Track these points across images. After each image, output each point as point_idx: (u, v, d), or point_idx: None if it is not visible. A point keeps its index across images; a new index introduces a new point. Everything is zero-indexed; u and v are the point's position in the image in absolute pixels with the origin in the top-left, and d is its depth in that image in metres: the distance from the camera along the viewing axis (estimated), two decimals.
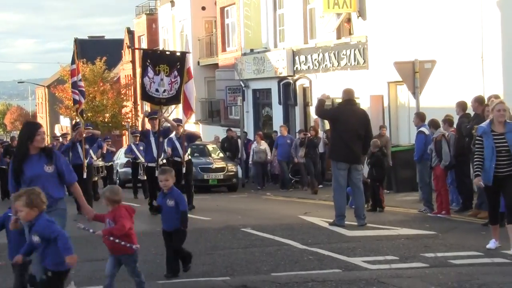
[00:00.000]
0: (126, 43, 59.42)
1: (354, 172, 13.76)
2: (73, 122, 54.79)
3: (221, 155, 27.64)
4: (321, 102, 14.23)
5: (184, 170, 17.72)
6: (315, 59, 27.49)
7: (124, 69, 59.70)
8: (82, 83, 19.72)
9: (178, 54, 18.57)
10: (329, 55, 26.51)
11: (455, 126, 15.48)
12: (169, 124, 18.39)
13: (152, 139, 17.36)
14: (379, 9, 23.60)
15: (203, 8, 39.89)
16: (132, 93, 55.64)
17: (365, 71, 24.38)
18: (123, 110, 53.54)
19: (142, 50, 19.67)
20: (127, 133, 54.29)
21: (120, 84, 57.11)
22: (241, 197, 23.24)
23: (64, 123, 70.29)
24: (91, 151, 19.82)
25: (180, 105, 20.28)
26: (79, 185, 17.33)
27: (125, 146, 36.02)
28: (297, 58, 28.88)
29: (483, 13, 19.12)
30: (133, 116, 53.60)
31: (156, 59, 17.55)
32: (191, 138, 19.25)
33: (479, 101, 14.34)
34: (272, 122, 31.47)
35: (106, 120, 51.85)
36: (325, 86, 26.69)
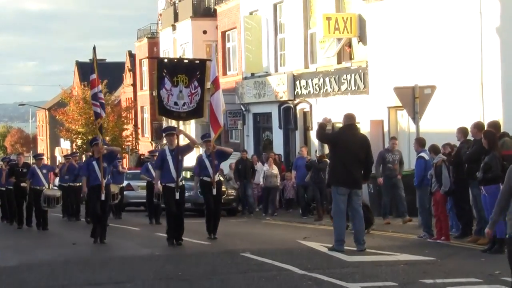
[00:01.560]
0: (127, 66, 59.63)
1: (354, 197, 13.72)
2: (73, 144, 55.20)
3: (221, 178, 27.55)
4: (322, 126, 14.22)
5: (214, 191, 16.22)
6: (315, 84, 27.57)
7: (125, 92, 59.87)
8: (102, 95, 17.62)
9: (197, 62, 16.46)
10: (329, 80, 26.60)
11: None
12: (187, 140, 16.87)
13: (170, 158, 15.28)
14: (380, 34, 23.71)
15: (205, 32, 40.06)
16: (133, 116, 55.75)
17: (365, 96, 24.45)
18: (124, 133, 53.63)
19: (157, 60, 16.89)
20: (127, 156, 54.35)
21: (121, 107, 57.26)
22: (240, 221, 23.19)
23: (65, 146, 70.33)
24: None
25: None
26: (96, 208, 16.23)
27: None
28: (297, 82, 28.97)
29: (483, 39, 19.21)
30: (134, 139, 53.66)
31: (174, 68, 15.59)
32: (223, 155, 17.06)
33: (478, 127, 14.36)
34: (273, 146, 31.50)
35: (107, 142, 51.88)
36: (325, 110, 26.74)
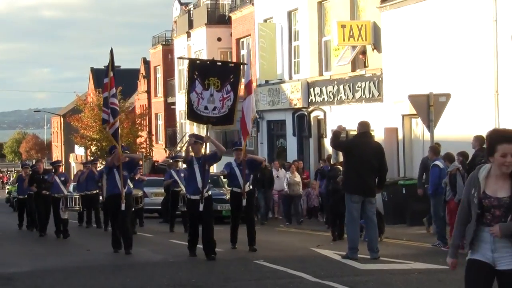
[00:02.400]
0: (142, 73, 59.79)
1: (367, 205, 13.68)
2: (88, 150, 55.31)
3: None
4: (336, 134, 14.15)
5: (244, 202, 15.24)
6: (329, 91, 27.54)
7: (139, 99, 60.02)
8: (116, 100, 16.20)
9: (231, 65, 15.80)
10: (343, 87, 26.58)
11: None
12: (212, 148, 15.84)
13: (196, 167, 14.13)
14: (394, 42, 23.67)
15: (219, 39, 40.13)
16: (147, 123, 55.87)
17: (379, 104, 24.40)
18: (138, 140, 53.75)
19: (189, 60, 15.79)
20: (142, 163, 54.38)
21: (135, 114, 57.38)
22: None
23: (79, 152, 70.57)
24: (128, 180, 16.96)
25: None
26: (116, 218, 15.60)
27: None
28: (311, 90, 28.96)
29: (498, 46, 19.13)
30: (148, 146, 53.78)
31: (205, 71, 14.52)
32: (254, 164, 15.90)
33: None
34: (286, 153, 31.47)
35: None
36: (339, 118, 26.71)
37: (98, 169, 24.96)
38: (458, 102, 19.25)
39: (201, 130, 16.56)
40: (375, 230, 13.87)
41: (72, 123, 54.07)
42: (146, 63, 58.94)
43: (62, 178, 21.20)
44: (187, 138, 45.64)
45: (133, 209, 20.51)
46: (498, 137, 5.82)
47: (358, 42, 24.95)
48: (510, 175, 5.75)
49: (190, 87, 14.41)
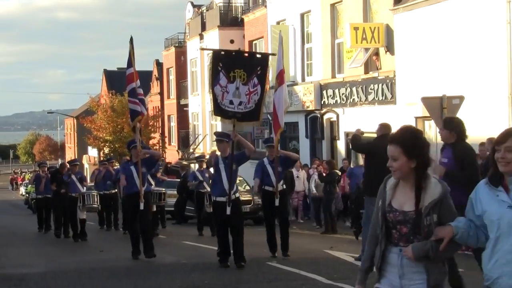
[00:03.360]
0: (155, 75, 59.92)
1: None
2: (101, 152, 55.48)
3: (248, 187, 27.58)
4: (356, 137, 13.97)
5: (277, 202, 14.11)
6: (342, 93, 27.53)
7: (152, 101, 60.16)
8: (141, 91, 15.26)
9: (258, 56, 14.32)
10: (356, 90, 26.56)
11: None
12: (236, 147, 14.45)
13: (222, 167, 13.10)
14: (407, 44, 23.63)
15: (232, 41, 40.17)
16: (160, 125, 55.97)
17: (392, 106, 24.36)
18: (151, 142, 53.88)
19: (213, 52, 14.25)
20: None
21: (148, 115, 57.53)
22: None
23: (92, 154, 70.76)
24: (149, 177, 16.24)
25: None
26: (135, 218, 14.63)
27: None
28: (324, 92, 28.95)
29: (511, 48, 19.07)
30: (160, 147, 53.90)
31: (231, 62, 13.37)
32: (287, 162, 14.76)
33: None
34: (299, 155, 31.43)
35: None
36: (352, 120, 26.72)
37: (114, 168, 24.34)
38: (471, 105, 19.18)
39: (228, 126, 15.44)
40: None
41: (85, 124, 54.27)
42: (159, 65, 59.07)
43: (79, 176, 20.76)
44: (199, 140, 45.78)
45: (155, 205, 20.27)
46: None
47: (371, 44, 24.93)
48: (418, 186, 4.90)
49: (214, 80, 13.30)
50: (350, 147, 15.31)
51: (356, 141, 14.02)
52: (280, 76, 14.32)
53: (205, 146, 45.08)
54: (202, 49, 35.51)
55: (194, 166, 43.21)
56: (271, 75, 14.30)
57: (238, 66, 13.26)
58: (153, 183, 19.07)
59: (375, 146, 13.88)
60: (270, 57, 14.74)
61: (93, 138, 53.38)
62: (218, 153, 13.61)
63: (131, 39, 14.99)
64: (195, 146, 45.86)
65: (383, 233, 4.98)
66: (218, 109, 13.38)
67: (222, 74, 13.19)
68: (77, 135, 79.33)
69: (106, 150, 52.82)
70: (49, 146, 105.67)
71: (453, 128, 10.18)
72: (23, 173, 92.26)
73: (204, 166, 20.47)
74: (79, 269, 13.59)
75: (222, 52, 14.17)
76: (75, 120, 79.51)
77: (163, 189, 21.79)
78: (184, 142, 50.33)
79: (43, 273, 13.17)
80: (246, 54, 14.59)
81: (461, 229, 4.79)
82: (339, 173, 23.20)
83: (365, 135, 14.42)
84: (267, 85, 13.67)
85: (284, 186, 14.71)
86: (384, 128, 13.99)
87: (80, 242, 19.80)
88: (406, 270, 4.87)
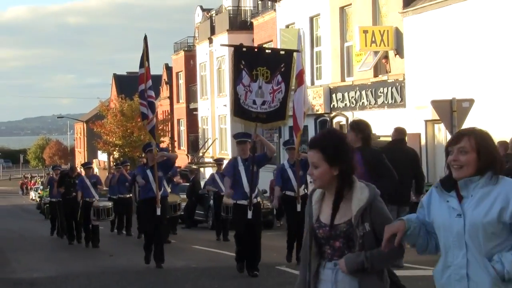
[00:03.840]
0: (164, 79, 60.03)
1: (401, 214, 12.76)
2: (111, 156, 55.60)
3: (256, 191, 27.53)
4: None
5: (299, 208, 13.46)
6: (352, 97, 27.50)
7: (162, 105, 60.26)
8: (152, 93, 14.77)
9: (282, 52, 13.34)
10: (366, 93, 26.52)
11: None
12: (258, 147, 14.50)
13: (242, 169, 12.53)
14: (417, 47, 23.58)
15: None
16: (169, 129, 56.05)
17: (402, 109, 24.31)
18: (160, 146, 53.95)
19: (234, 48, 13.27)
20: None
21: (157, 119, 57.62)
22: (276, 234, 23.13)
23: (102, 158, 70.91)
24: (164, 182, 15.70)
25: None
26: (151, 224, 14.00)
27: None
28: (334, 95, 28.92)
29: None
30: (170, 151, 53.95)
31: (253, 59, 12.55)
32: (309, 165, 14.60)
33: None
34: None
35: (143, 155, 52.28)
36: None
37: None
38: (481, 108, 19.13)
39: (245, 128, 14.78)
40: None
41: (95, 129, 54.38)
42: (168, 69, 59.16)
43: (93, 180, 19.91)
44: (209, 144, 45.78)
45: (168, 217, 19.18)
46: None
47: (380, 47, 24.88)
48: (338, 195, 4.45)
49: (237, 79, 12.44)
50: None
51: None
52: (300, 76, 13.60)
53: (215, 150, 45.09)
54: (223, 45, 34.92)
55: (204, 170, 43.30)
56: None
57: (261, 64, 12.45)
58: (169, 189, 18.38)
59: (389, 151, 13.56)
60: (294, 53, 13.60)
61: (103, 142, 53.47)
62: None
63: (145, 37, 14.36)
64: (205, 150, 45.87)
65: (315, 251, 4.50)
66: (240, 110, 12.51)
67: (245, 72, 12.38)
68: (87, 139, 79.52)
69: (116, 154, 52.90)
70: (59, 151, 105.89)
71: (359, 131, 9.62)
72: (33, 178, 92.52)
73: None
74: (89, 273, 13.61)
75: (244, 49, 13.16)
76: (84, 125, 79.74)
77: (178, 198, 21.24)
78: (194, 146, 50.36)
79: (53, 277, 13.21)
80: (269, 51, 13.68)
81: (414, 223, 4.28)
82: None
83: (380, 138, 14.14)
84: (291, 83, 12.96)
85: (306, 191, 13.95)
86: (398, 132, 13.71)
87: (90, 247, 19.64)
88: (339, 286, 4.40)
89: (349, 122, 27.90)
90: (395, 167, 13.02)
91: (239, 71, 12.42)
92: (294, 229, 13.74)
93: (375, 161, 9.54)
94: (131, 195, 22.51)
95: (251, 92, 12.33)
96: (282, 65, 12.53)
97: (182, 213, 24.73)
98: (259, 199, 12.79)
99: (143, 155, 23.42)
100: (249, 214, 12.21)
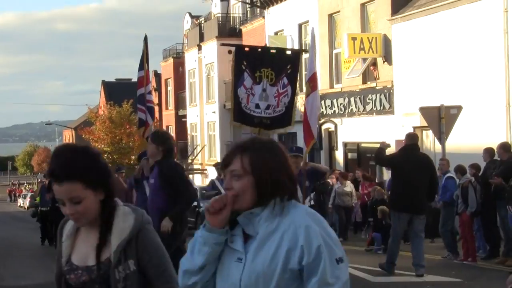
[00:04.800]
0: (153, 86, 59.91)
1: (415, 220, 12.90)
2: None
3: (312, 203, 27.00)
4: (381, 151, 13.45)
5: None
6: (340, 104, 27.56)
7: None
8: (152, 97, 13.84)
9: (288, 53, 12.37)
10: (354, 100, 26.59)
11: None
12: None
13: None
14: (405, 54, 23.68)
15: (230, 52, 39.86)
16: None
17: (390, 116, 24.39)
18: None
19: (235, 48, 12.39)
20: None
21: (155, 125, 57.58)
22: None
23: None
24: None
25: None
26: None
27: None
28: (322, 102, 28.96)
29: (509, 58, 19.13)
30: None
31: (256, 60, 11.56)
32: (316, 175, 12.62)
33: (504, 147, 14.29)
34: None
35: (132, 162, 52.23)
36: (350, 130, 26.78)
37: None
38: (469, 115, 19.22)
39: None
40: (422, 246, 13.17)
41: (83, 135, 54.29)
42: (157, 75, 59.15)
43: None
44: (198, 150, 45.78)
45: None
46: None
47: (369, 54, 24.97)
48: (105, 226, 3.36)
49: (238, 81, 11.45)
50: (374, 161, 14.64)
51: (378, 154, 13.54)
52: (313, 80, 12.41)
53: (203, 157, 45.08)
54: (223, 44, 33.36)
55: (193, 177, 43.27)
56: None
57: (265, 65, 11.43)
58: None
59: (401, 158, 13.13)
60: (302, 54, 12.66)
61: None
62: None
63: (145, 38, 13.40)
64: (194, 157, 45.84)
65: None
66: (241, 115, 11.43)
67: (246, 73, 11.38)
68: None
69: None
70: (48, 158, 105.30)
71: (161, 143, 8.95)
72: (21, 185, 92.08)
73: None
74: None
75: (246, 49, 12.37)
76: (73, 131, 79.58)
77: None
78: (183, 153, 50.31)
79: (41, 284, 13.15)
80: (274, 51, 12.37)
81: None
82: (330, 183, 22.37)
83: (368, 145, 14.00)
84: (298, 86, 11.93)
85: (312, 202, 12.97)
86: (411, 138, 13.39)
87: None
88: None
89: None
90: (409, 176, 12.79)
91: (240, 72, 11.45)
92: None
93: (172, 174, 8.80)
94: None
95: (254, 96, 11.32)
96: (288, 67, 11.54)
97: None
98: None
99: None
100: None
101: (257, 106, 11.25)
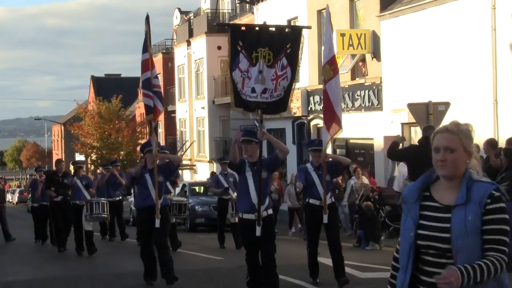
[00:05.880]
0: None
1: None
2: (88, 158, 55.47)
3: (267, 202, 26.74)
4: (395, 144, 13.23)
5: (325, 219, 11.37)
6: None
7: (140, 107, 60.02)
8: (158, 81, 12.85)
9: (288, 30, 10.98)
10: (343, 96, 26.61)
11: None
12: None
13: (250, 175, 9.99)
14: (394, 50, 23.74)
15: (219, 48, 40.18)
16: (147, 131, 55.90)
17: (379, 112, 24.45)
18: (138, 148, 53.82)
19: (231, 27, 10.98)
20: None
21: (135, 122, 57.48)
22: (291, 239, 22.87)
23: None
24: (168, 185, 13.83)
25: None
26: (149, 237, 11.58)
27: None
28: (311, 98, 29.04)
29: (497, 55, 19.21)
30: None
31: (253, 40, 10.16)
32: (337, 168, 11.81)
33: (491, 144, 14.33)
34: (286, 161, 31.48)
35: (121, 157, 52.20)
36: None
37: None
38: (457, 111, 19.26)
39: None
40: None
41: (72, 131, 54.25)
42: None
43: (85, 182, 17.38)
44: (187, 146, 45.77)
45: (174, 220, 17.54)
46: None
47: (358, 50, 25.02)
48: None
49: (233, 64, 10.12)
50: (387, 155, 14.43)
51: (390, 148, 13.34)
52: (334, 62, 11.51)
53: (193, 152, 45.08)
54: (218, 24, 29.36)
55: (182, 173, 43.24)
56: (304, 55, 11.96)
57: (262, 44, 10.08)
58: (172, 191, 16.83)
59: (412, 151, 13.06)
60: (304, 31, 11.24)
61: (81, 144, 53.32)
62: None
63: (147, 17, 12.23)
64: (183, 153, 45.82)
65: None
66: (239, 100, 10.19)
67: (242, 55, 10.04)
68: (65, 141, 79.13)
69: (94, 156, 52.80)
70: (37, 153, 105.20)
71: None
72: (8, 181, 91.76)
73: (229, 170, 16.00)
74: (67, 276, 13.57)
75: (243, 28, 11.01)
76: (62, 127, 79.35)
77: (185, 199, 19.59)
78: (172, 148, 50.27)
79: (30, 280, 13.15)
80: (273, 28, 10.84)
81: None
82: (340, 183, 21.27)
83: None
84: (298, 67, 10.62)
85: (333, 199, 12.02)
86: (426, 130, 13.24)
87: (68, 250, 18.32)
88: None
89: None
90: (424, 168, 12.56)
91: (235, 53, 10.11)
92: (317, 243, 11.88)
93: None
94: (120, 198, 20.90)
95: (250, 79, 10.00)
96: (288, 46, 10.26)
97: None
98: (270, 211, 10.06)
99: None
100: (258, 231, 9.74)
101: (253, 90, 9.99)
